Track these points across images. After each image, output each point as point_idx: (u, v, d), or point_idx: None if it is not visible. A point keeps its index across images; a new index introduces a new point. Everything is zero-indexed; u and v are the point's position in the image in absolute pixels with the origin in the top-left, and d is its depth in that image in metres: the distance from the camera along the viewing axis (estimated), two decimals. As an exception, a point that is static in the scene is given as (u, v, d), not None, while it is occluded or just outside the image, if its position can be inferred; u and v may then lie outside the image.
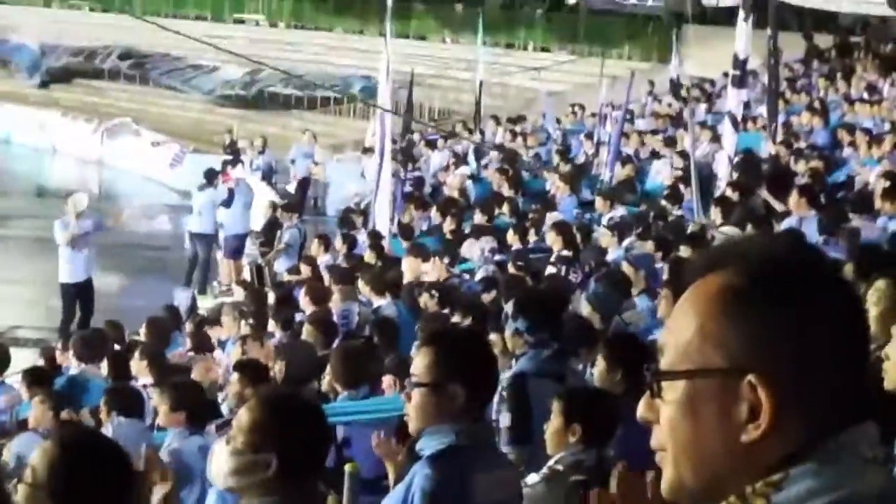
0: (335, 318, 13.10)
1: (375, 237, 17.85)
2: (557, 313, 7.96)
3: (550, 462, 5.96)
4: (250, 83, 43.92)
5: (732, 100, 18.34)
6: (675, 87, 32.32)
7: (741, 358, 1.84)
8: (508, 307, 7.61)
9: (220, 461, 3.92)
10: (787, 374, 1.82)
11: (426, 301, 13.44)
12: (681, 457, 1.88)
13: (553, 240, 15.39)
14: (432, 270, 15.49)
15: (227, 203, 22.76)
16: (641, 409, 1.95)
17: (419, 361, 4.57)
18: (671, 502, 1.93)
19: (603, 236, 15.73)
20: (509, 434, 6.93)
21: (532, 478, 5.87)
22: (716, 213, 15.50)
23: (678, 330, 1.90)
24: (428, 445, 4.53)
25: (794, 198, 14.27)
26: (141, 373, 11.18)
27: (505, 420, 6.97)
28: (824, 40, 35.74)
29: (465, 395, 4.49)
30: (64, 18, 51.80)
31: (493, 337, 8.78)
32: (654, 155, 23.85)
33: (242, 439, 3.89)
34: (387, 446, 5.80)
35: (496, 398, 6.93)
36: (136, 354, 11.51)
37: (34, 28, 49.24)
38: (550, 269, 14.55)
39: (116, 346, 13.08)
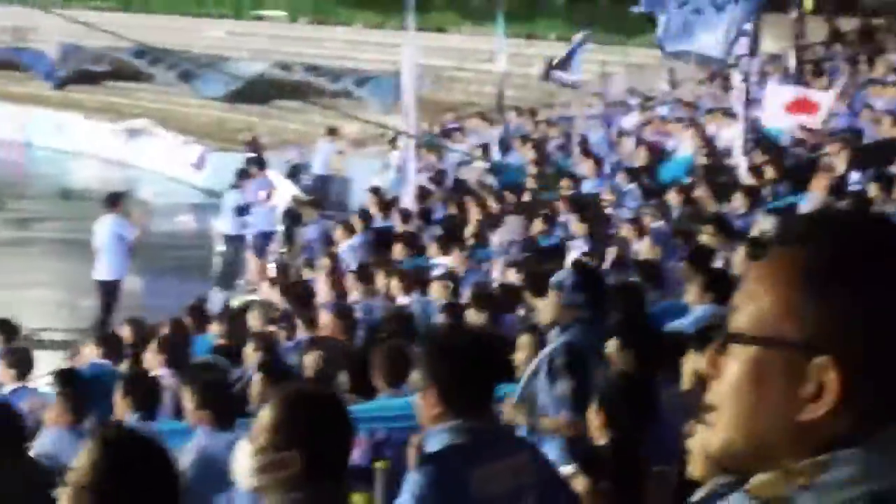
0: (357, 313, 13.13)
1: (405, 219, 17.89)
2: (607, 292, 8.01)
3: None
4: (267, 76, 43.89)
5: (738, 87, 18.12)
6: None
7: (818, 336, 1.81)
8: (564, 276, 7.55)
9: (244, 460, 3.90)
10: (860, 359, 1.80)
11: (440, 290, 13.44)
12: (737, 419, 1.86)
13: (576, 226, 15.39)
14: (454, 262, 15.52)
15: (241, 211, 22.87)
16: (706, 363, 1.93)
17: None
18: (714, 460, 1.92)
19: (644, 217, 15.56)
20: (570, 401, 6.99)
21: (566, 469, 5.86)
22: (742, 201, 15.35)
23: (757, 295, 1.88)
24: (430, 445, 4.55)
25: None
26: (155, 366, 11.22)
27: (565, 387, 7.04)
28: (847, 23, 35.55)
29: None
30: (84, 19, 51.82)
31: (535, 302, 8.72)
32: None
33: (264, 437, 3.88)
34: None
35: (544, 367, 6.99)
36: (154, 346, 11.54)
37: (54, 29, 49.31)
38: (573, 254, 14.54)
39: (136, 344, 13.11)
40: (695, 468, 4.36)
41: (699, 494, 4.24)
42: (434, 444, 4.57)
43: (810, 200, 15.00)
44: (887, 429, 1.80)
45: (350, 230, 18.89)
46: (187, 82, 44.58)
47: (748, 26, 17.18)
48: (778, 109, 19.52)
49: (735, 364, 1.87)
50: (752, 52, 17.57)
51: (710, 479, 4.21)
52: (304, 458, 3.82)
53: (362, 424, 8.28)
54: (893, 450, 1.80)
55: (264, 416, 3.94)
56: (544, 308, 7.87)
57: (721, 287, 9.56)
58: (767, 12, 18.13)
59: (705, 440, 1.92)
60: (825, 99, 20.40)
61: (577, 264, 8.61)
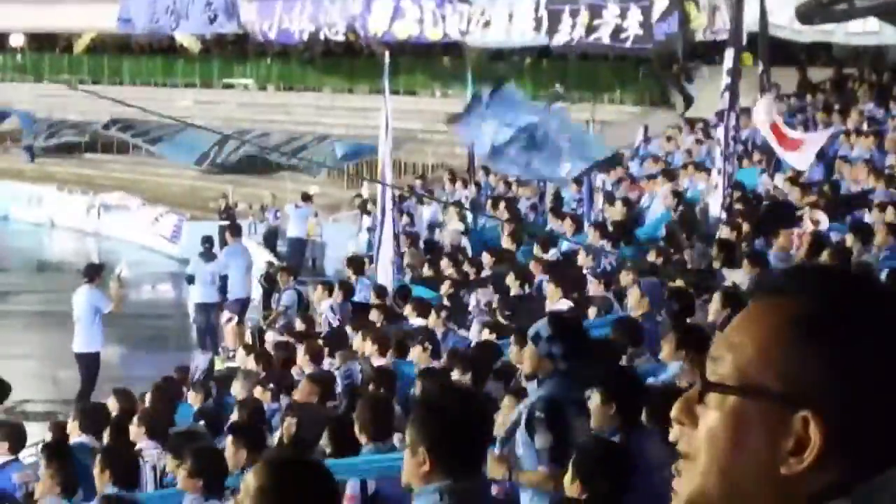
0: (338, 379, 13.13)
1: (380, 295, 17.89)
2: (588, 343, 8.00)
3: None
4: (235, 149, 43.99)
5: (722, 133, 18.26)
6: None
7: (800, 390, 1.80)
8: (541, 327, 7.56)
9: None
10: (843, 415, 1.79)
11: (419, 353, 13.46)
12: (712, 469, 1.84)
13: (552, 292, 15.37)
14: (433, 324, 15.52)
15: (190, 280, 22.98)
16: (678, 410, 1.91)
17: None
18: None
19: (622, 276, 15.55)
20: (549, 454, 7.00)
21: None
22: (717, 256, 15.38)
23: (740, 345, 1.86)
24: None
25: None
26: (139, 438, 11.19)
27: (544, 441, 7.05)
28: (817, 73, 35.80)
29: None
30: (54, 93, 52.00)
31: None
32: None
33: (248, 502, 3.88)
34: None
35: (523, 420, 7.02)
36: (136, 420, 11.55)
37: (25, 104, 49.47)
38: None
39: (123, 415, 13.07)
40: None
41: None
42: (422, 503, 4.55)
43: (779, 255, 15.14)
44: (872, 479, 1.79)
45: (329, 290, 18.89)
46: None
47: (728, 80, 17.35)
48: (764, 123, 19.62)
49: (713, 413, 1.85)
50: (733, 105, 17.67)
51: None
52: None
53: (349, 476, 8.32)
54: (878, 500, 1.79)
55: (249, 481, 3.95)
56: (524, 360, 7.87)
57: (695, 343, 9.55)
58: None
59: (682, 486, 1.89)
60: (812, 140, 20.54)
61: (552, 316, 8.59)
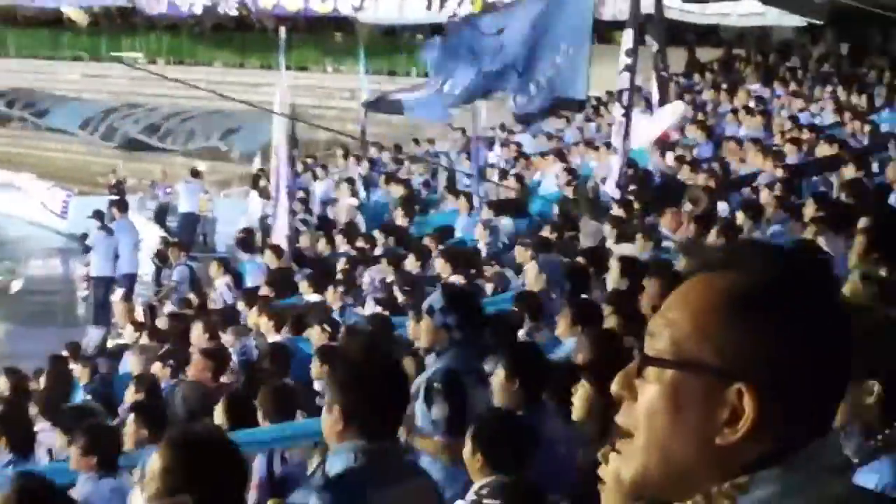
0: (233, 355, 13.03)
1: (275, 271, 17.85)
2: (482, 312, 8.02)
3: (475, 487, 5.92)
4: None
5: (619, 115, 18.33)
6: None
7: (734, 363, 1.83)
8: (434, 300, 7.56)
9: (139, 507, 3.87)
10: (776, 386, 1.83)
11: (317, 333, 13.39)
12: (652, 445, 1.88)
13: (441, 266, 15.38)
14: (330, 300, 15.47)
15: (86, 249, 22.64)
16: (618, 384, 1.94)
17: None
18: (631, 493, 1.94)
19: (519, 252, 15.56)
20: (445, 425, 7.01)
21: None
22: (610, 233, 15.45)
23: (676, 320, 1.89)
24: (331, 467, 4.55)
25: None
26: (35, 419, 11.02)
27: (440, 412, 7.06)
28: (706, 53, 36.17)
29: None
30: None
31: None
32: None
33: (156, 484, 3.85)
34: None
35: (421, 392, 7.01)
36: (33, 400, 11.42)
37: None
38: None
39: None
40: (608, 499, 4.34)
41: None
42: (336, 463, 4.53)
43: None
44: (805, 447, 1.84)
45: (226, 267, 18.80)
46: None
47: (629, 60, 17.40)
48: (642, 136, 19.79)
49: (651, 388, 1.88)
50: (632, 85, 17.73)
51: None
52: (197, 502, 3.79)
53: (254, 449, 8.28)
54: (810, 467, 1.84)
55: (155, 461, 3.92)
56: (421, 333, 7.88)
57: (590, 319, 9.60)
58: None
59: (618, 467, 1.93)
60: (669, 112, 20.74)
61: (445, 287, 8.61)
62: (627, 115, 17.67)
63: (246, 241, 21.05)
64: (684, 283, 1.94)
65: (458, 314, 7.36)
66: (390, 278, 16.31)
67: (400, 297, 14.67)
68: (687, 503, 1.86)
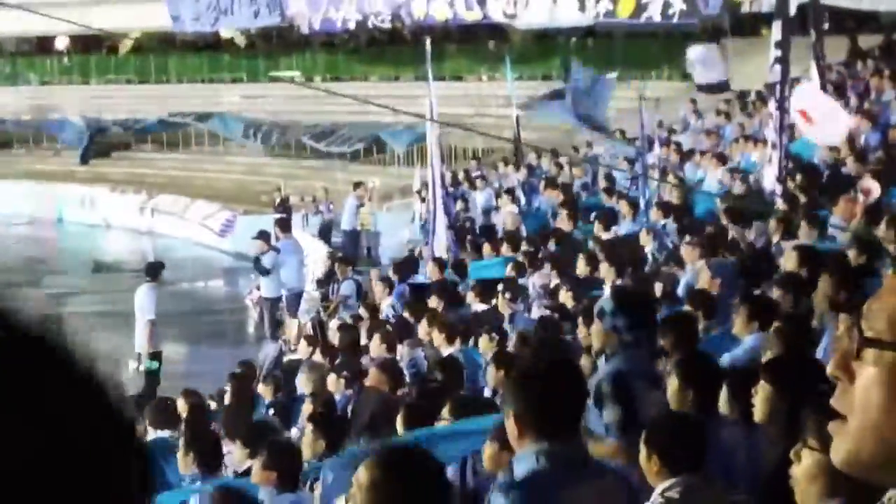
0: (404, 368, 13.10)
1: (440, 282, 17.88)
2: (654, 314, 7.96)
3: (660, 488, 5.84)
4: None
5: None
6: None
7: None
8: (605, 303, 7.54)
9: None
10: None
11: (485, 342, 13.41)
12: (866, 428, 1.83)
13: (606, 271, 15.27)
14: (500, 307, 15.49)
15: (264, 272, 22.78)
16: (834, 366, 1.89)
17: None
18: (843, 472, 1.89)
19: (686, 251, 15.38)
20: (618, 428, 7.00)
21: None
22: (776, 228, 15.22)
23: (893, 302, 1.85)
24: (517, 468, 4.60)
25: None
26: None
27: (611, 415, 7.04)
28: (866, 40, 35.45)
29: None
30: (103, 94, 52.33)
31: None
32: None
33: (361, 497, 3.87)
34: None
35: (591, 395, 6.99)
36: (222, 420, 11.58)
37: (74, 106, 49.72)
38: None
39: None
40: (799, 494, 4.27)
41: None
42: (521, 467, 4.58)
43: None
44: None
45: (390, 287, 18.88)
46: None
47: (779, 52, 17.19)
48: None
49: (869, 369, 1.84)
50: (785, 77, 17.51)
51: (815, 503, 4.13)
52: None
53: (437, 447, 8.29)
54: None
55: (361, 475, 3.94)
56: (592, 337, 7.86)
57: (766, 314, 9.51)
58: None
59: (832, 449, 1.89)
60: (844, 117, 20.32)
61: (616, 289, 8.58)
62: (781, 108, 17.42)
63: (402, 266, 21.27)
64: None
65: (628, 317, 7.32)
66: (555, 282, 16.27)
67: (568, 303, 14.62)
68: None
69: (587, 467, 4.88)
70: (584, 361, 8.66)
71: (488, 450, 7.07)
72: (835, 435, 1.88)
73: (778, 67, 17.36)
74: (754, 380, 6.51)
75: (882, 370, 1.82)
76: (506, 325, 15.13)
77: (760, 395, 6.39)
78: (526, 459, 4.57)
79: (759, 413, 6.42)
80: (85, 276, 33.96)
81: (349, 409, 12.27)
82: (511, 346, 13.27)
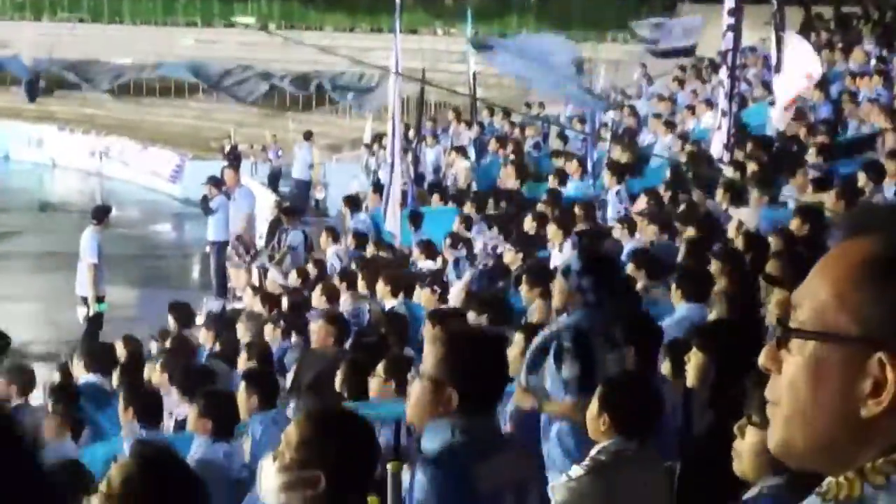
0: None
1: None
2: (620, 276, 7.96)
3: (593, 452, 5.88)
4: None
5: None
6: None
7: (875, 331, 1.79)
8: (572, 261, 7.53)
9: (269, 477, 3.88)
10: None
11: (427, 296, 13.42)
12: (795, 416, 1.85)
13: (553, 233, 15.28)
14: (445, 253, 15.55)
15: (209, 212, 22.58)
16: (764, 357, 1.91)
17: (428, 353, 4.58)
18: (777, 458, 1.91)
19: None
20: (577, 384, 6.99)
21: (575, 470, 5.80)
22: (723, 196, 15.29)
23: (816, 290, 1.86)
24: (429, 441, 4.50)
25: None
26: (162, 385, 11.07)
27: (570, 371, 7.04)
28: (823, 12, 35.54)
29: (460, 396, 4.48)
30: (54, 32, 51.75)
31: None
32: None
33: (290, 455, 3.86)
34: None
35: (551, 351, 6.99)
36: (157, 367, 11.48)
37: (25, 42, 49.11)
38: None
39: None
40: (743, 468, 4.29)
41: (749, 494, 4.18)
42: (435, 439, 4.47)
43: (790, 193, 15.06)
44: None
45: (334, 236, 18.85)
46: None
47: (731, 20, 17.21)
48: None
49: (794, 359, 1.85)
50: (737, 45, 17.53)
51: (758, 479, 4.15)
52: (329, 477, 3.81)
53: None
54: None
55: (291, 433, 3.92)
56: (554, 294, 7.84)
57: (701, 287, 9.60)
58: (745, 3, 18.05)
59: (768, 436, 1.90)
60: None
61: (583, 249, 8.57)
62: (732, 76, 17.46)
63: (352, 199, 21.26)
64: (826, 254, 1.90)
65: (594, 277, 7.30)
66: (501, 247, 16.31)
67: (513, 262, 14.61)
68: (840, 477, 1.82)
69: (498, 440, 4.79)
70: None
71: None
72: (771, 420, 1.90)
73: (730, 35, 17.36)
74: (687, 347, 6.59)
75: (805, 360, 1.84)
76: (449, 273, 15.19)
77: (693, 361, 6.45)
78: (441, 431, 4.45)
79: (690, 378, 6.49)
80: (31, 215, 33.70)
81: (285, 360, 12.30)
82: (453, 298, 13.36)
